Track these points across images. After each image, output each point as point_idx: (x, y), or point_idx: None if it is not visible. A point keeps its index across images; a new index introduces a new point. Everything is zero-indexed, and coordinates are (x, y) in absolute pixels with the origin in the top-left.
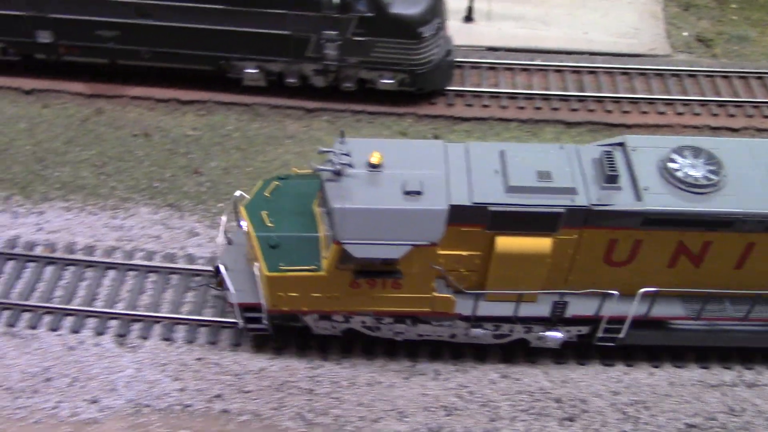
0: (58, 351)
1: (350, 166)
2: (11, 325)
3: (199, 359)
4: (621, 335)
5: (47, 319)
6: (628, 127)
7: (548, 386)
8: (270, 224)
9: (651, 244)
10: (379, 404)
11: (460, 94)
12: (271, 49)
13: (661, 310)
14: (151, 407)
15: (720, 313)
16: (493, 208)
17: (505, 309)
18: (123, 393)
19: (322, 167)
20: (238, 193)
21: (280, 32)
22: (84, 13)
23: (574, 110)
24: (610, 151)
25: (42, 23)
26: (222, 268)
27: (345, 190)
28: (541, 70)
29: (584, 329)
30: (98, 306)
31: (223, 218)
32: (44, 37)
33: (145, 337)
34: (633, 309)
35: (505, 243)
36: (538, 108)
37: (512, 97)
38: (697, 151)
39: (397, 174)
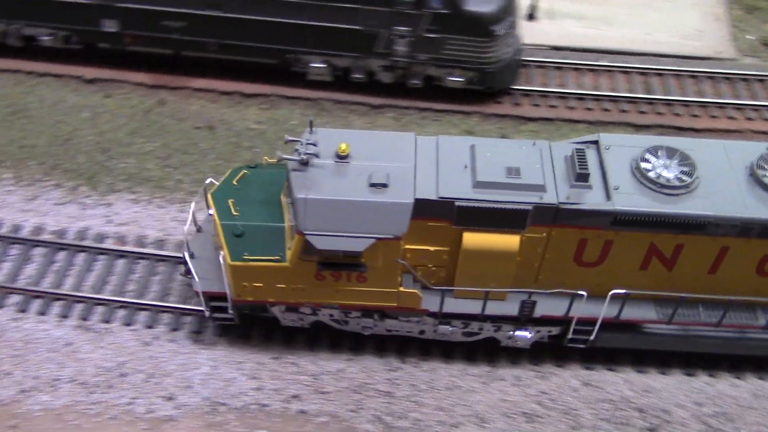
0: (132, 346)
1: (317, 156)
2: (84, 318)
3: (275, 358)
4: (591, 337)
5: (121, 313)
6: (698, 131)
7: (630, 395)
8: (236, 213)
9: (622, 245)
10: (459, 409)
11: (526, 93)
12: (339, 43)
13: (632, 313)
14: (227, 406)
15: (693, 318)
16: (459, 203)
17: (473, 306)
18: (199, 390)
19: (288, 156)
20: (208, 180)
21: (350, 27)
22: (152, 3)
23: (643, 113)
24: (581, 149)
25: (109, 12)
26: (186, 256)
27: (310, 180)
28: (608, 70)
29: (555, 330)
30: (172, 302)
31: (192, 205)
32: (110, 26)
33: (220, 335)
34: (603, 311)
35: (472, 239)
36: (607, 110)
37: (580, 97)
38: (671, 152)
39: (364, 165)
